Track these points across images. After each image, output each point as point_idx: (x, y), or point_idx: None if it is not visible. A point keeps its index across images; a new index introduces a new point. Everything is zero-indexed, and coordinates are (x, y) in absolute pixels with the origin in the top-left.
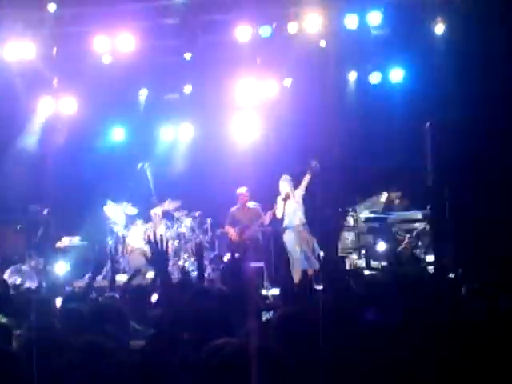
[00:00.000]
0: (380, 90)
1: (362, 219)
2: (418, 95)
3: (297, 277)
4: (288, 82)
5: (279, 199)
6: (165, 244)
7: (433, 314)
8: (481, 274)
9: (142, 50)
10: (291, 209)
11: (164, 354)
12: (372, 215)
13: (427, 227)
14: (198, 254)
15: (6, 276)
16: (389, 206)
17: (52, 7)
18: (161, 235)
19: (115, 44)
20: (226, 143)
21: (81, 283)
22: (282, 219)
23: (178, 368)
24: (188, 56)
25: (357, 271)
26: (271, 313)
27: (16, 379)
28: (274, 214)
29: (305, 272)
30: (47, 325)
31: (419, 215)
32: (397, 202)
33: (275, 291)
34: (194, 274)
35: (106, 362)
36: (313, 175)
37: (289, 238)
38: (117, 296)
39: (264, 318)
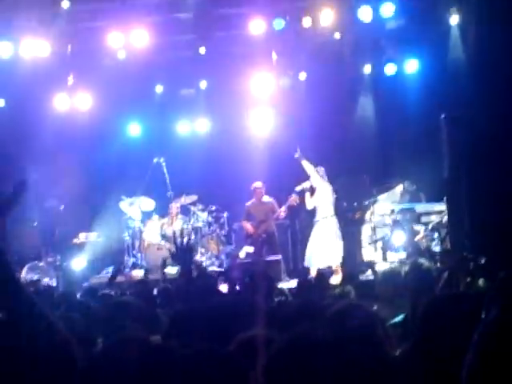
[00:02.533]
0: (395, 81)
1: (379, 213)
2: (433, 87)
3: (313, 271)
4: (303, 75)
5: (307, 194)
6: (187, 240)
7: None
8: (497, 266)
9: (157, 45)
10: (315, 202)
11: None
12: (388, 208)
13: (444, 219)
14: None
15: (23, 273)
16: (405, 198)
17: (65, 4)
18: (182, 230)
19: (129, 39)
20: (241, 138)
21: (98, 279)
22: (312, 212)
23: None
24: (202, 50)
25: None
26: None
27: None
28: (290, 208)
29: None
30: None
31: (436, 207)
32: (412, 194)
33: (293, 283)
34: (212, 268)
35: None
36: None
37: (312, 232)
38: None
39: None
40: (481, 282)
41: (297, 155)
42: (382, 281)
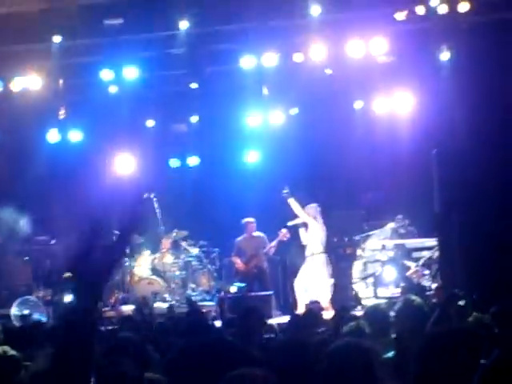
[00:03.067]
0: (386, 117)
1: (370, 248)
2: (425, 122)
3: (301, 307)
4: (294, 110)
5: (301, 229)
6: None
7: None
8: (491, 300)
9: (148, 80)
10: (308, 238)
11: None
12: (379, 244)
13: (434, 255)
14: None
15: (13, 308)
16: (396, 235)
17: (57, 39)
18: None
19: (121, 74)
20: (232, 173)
21: None
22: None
23: None
24: (194, 86)
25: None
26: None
27: None
28: (280, 243)
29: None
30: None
31: (427, 243)
32: (403, 231)
33: (284, 319)
34: (202, 304)
35: None
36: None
37: (302, 268)
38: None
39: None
40: (472, 317)
41: (284, 193)
42: (371, 317)
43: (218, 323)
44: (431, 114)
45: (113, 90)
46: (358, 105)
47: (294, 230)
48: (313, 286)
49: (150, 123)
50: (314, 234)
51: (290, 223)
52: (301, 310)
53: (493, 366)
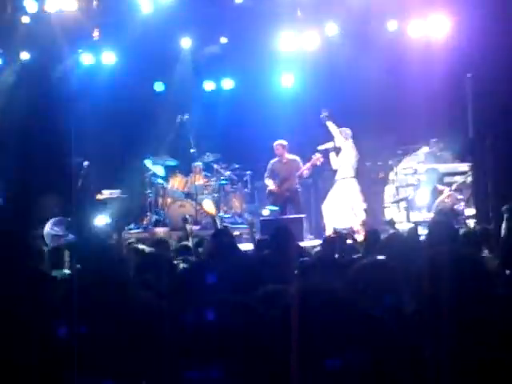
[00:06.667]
0: (421, 40)
1: (402, 172)
2: (461, 46)
3: (328, 230)
4: (331, 32)
5: (331, 154)
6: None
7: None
8: None
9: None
10: (339, 162)
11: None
12: (412, 167)
13: (468, 180)
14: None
15: (47, 227)
16: (430, 159)
17: None
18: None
19: None
20: (266, 96)
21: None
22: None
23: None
24: (230, 6)
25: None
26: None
27: None
28: (313, 167)
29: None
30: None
31: (460, 168)
32: (438, 154)
33: (316, 242)
34: (234, 226)
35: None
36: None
37: (329, 192)
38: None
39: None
40: None
41: (323, 115)
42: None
43: (249, 245)
44: (467, 38)
45: (147, 9)
46: (391, 26)
47: (325, 155)
48: (344, 209)
49: (185, 44)
50: (346, 158)
51: (320, 147)
52: (329, 232)
53: None
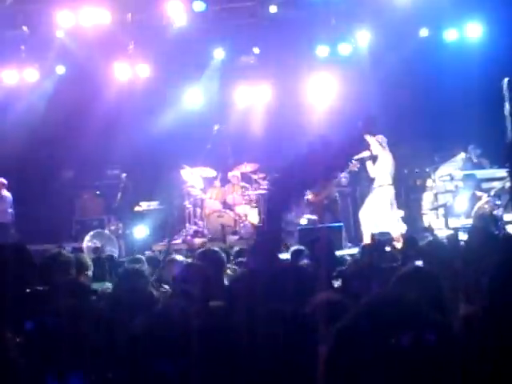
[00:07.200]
0: (456, 46)
1: (441, 179)
2: (497, 52)
3: (366, 237)
4: (364, 41)
5: (368, 162)
6: None
7: None
8: None
9: (215, 12)
10: (376, 170)
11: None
12: (450, 174)
13: (506, 185)
14: None
15: (86, 240)
16: (467, 165)
17: None
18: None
19: (187, 7)
20: (303, 105)
21: (160, 246)
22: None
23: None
24: (263, 16)
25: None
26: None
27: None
28: (351, 174)
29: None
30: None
31: (498, 173)
32: (475, 160)
33: (354, 250)
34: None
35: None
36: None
37: (368, 199)
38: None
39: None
40: None
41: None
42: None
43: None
44: (503, 43)
45: (180, 22)
46: (423, 32)
47: (362, 163)
48: (382, 217)
49: (218, 55)
50: (383, 166)
51: (356, 157)
52: (366, 240)
53: None
